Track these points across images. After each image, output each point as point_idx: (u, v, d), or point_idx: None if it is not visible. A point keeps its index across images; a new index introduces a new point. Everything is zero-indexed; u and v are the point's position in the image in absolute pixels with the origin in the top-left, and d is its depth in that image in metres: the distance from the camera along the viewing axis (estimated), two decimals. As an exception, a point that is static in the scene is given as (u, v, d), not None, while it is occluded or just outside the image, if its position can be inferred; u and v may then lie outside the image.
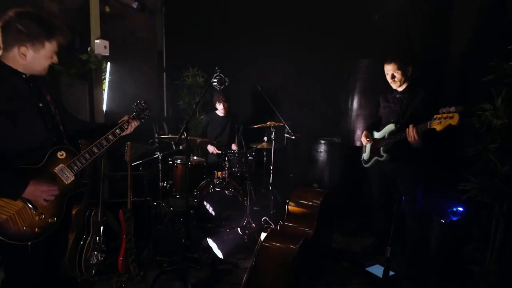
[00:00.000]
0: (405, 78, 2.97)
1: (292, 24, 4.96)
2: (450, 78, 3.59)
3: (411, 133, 2.67)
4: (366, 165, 3.29)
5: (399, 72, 2.94)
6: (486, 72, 2.36)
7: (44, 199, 1.72)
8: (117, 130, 2.09)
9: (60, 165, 1.82)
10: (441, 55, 3.67)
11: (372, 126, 3.31)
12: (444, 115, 2.46)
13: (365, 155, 3.30)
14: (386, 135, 3.03)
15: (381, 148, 3.06)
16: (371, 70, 4.05)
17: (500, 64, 2.28)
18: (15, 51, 1.67)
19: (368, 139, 3.24)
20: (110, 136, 2.05)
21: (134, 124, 2.24)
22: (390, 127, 3.01)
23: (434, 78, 3.62)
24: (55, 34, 1.71)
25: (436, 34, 3.78)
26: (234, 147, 4.63)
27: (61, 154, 1.83)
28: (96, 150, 1.96)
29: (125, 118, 2.22)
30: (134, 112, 2.28)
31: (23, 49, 1.66)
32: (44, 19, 1.69)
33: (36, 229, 1.72)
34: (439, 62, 3.66)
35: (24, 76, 1.74)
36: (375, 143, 3.16)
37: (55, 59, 1.80)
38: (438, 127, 2.49)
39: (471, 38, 3.35)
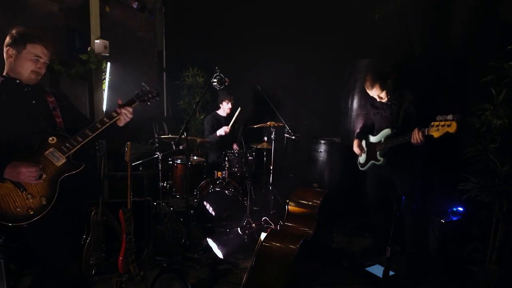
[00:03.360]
0: (390, 91, 3.02)
1: (292, 24, 4.96)
2: (450, 78, 3.59)
3: (417, 136, 2.67)
4: (362, 169, 3.32)
5: (384, 91, 2.99)
6: (486, 72, 2.36)
7: (32, 180, 1.83)
8: (113, 113, 2.14)
9: (51, 149, 1.94)
10: (441, 55, 3.67)
11: (363, 132, 3.34)
12: (442, 123, 2.47)
13: (361, 159, 3.34)
14: (383, 139, 3.05)
15: (378, 152, 3.08)
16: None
17: (500, 64, 2.29)
18: (6, 55, 1.95)
19: (360, 149, 3.28)
20: (105, 119, 2.10)
21: (126, 111, 2.20)
22: (386, 131, 3.02)
23: (434, 78, 3.61)
24: (33, 40, 1.94)
25: (436, 34, 3.78)
26: (235, 146, 4.62)
27: (52, 139, 1.95)
28: (89, 133, 2.02)
29: (119, 102, 2.24)
30: (133, 97, 2.30)
31: (10, 50, 1.94)
32: (29, 31, 1.97)
33: (30, 211, 1.84)
34: (439, 62, 3.66)
35: (18, 81, 1.97)
36: (371, 147, 3.17)
37: (39, 67, 1.97)
38: (435, 134, 2.51)
39: (471, 38, 3.35)
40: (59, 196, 1.93)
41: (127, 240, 2.76)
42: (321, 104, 5.07)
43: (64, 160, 1.96)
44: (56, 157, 1.95)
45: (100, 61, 4.21)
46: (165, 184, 3.97)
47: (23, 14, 3.93)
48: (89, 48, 4.15)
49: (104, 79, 4.53)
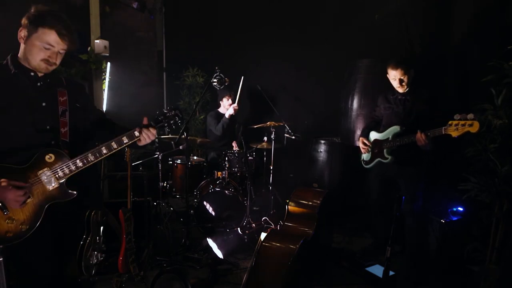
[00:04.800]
0: (410, 81, 2.96)
1: (292, 24, 4.96)
2: (450, 78, 3.59)
3: (421, 138, 2.66)
4: (366, 166, 3.27)
5: (406, 76, 2.93)
6: (486, 72, 2.36)
7: (16, 206, 1.59)
8: (123, 138, 1.81)
9: (45, 169, 1.67)
10: (441, 55, 3.67)
11: (368, 129, 3.30)
12: (462, 122, 2.41)
13: (365, 156, 3.28)
14: (390, 136, 2.99)
15: (385, 150, 3.03)
16: (371, 70, 4.05)
17: (500, 64, 2.29)
18: (19, 37, 1.72)
19: (365, 147, 3.22)
20: (113, 144, 1.80)
21: (149, 133, 1.87)
22: (394, 128, 2.97)
23: (434, 78, 3.62)
24: (47, 23, 1.68)
25: (436, 34, 3.78)
26: (234, 145, 4.62)
27: (49, 157, 1.68)
28: (91, 159, 1.75)
29: (144, 121, 1.91)
30: (156, 118, 1.94)
31: (22, 31, 1.69)
32: (53, 14, 1.72)
33: (8, 234, 1.60)
34: (439, 62, 3.66)
35: (32, 74, 1.73)
36: (377, 144, 3.12)
37: (49, 55, 1.70)
38: (454, 133, 2.45)
39: (471, 38, 3.35)
40: (43, 222, 1.68)
41: (127, 240, 2.76)
42: (321, 104, 5.07)
43: (56, 186, 1.69)
44: (48, 180, 1.68)
45: (100, 61, 4.21)
46: (165, 184, 3.97)
47: (23, 14, 3.92)
48: (89, 48, 4.15)
49: (104, 79, 4.53)
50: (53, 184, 1.69)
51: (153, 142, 4.28)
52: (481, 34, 3.21)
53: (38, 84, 1.76)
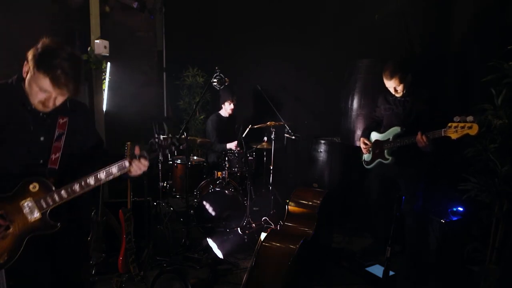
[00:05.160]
0: (407, 86, 2.95)
1: (292, 24, 4.96)
2: (450, 78, 3.59)
3: (421, 140, 2.66)
4: (367, 166, 3.27)
5: (402, 85, 2.91)
6: (486, 72, 2.36)
7: None
8: (112, 169, 1.70)
9: (28, 199, 1.58)
10: (441, 55, 3.67)
11: (369, 129, 3.30)
12: (461, 124, 2.41)
13: (366, 157, 3.27)
14: (391, 137, 2.99)
15: (386, 151, 3.03)
16: (371, 70, 4.05)
17: (500, 64, 2.29)
18: (23, 71, 1.62)
19: (366, 146, 3.21)
20: (101, 175, 1.69)
21: (141, 165, 1.76)
22: (395, 129, 2.97)
23: (434, 78, 3.62)
24: (51, 72, 1.52)
25: (436, 34, 3.78)
26: (234, 147, 4.62)
27: (34, 187, 1.59)
28: (77, 189, 1.64)
29: (136, 151, 1.79)
30: (150, 147, 1.82)
31: (26, 66, 1.59)
32: (55, 56, 1.54)
33: None
34: (439, 62, 3.66)
35: (29, 108, 1.62)
36: (378, 145, 3.12)
37: (46, 99, 1.59)
38: (453, 135, 2.45)
39: (471, 38, 3.35)
40: (23, 254, 1.59)
41: (127, 240, 2.76)
42: (321, 104, 5.07)
43: (38, 217, 1.60)
44: (30, 210, 1.58)
45: (100, 61, 4.21)
46: (165, 184, 3.97)
47: (23, 14, 3.92)
48: (89, 48, 4.15)
49: (104, 79, 4.53)
50: (35, 215, 1.60)
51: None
52: (481, 34, 3.21)
53: (40, 114, 1.67)
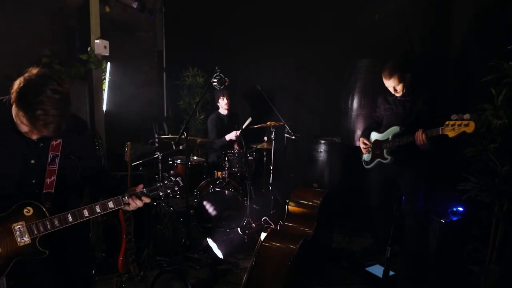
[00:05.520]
0: (407, 86, 2.95)
1: (292, 24, 4.96)
2: (450, 78, 3.59)
3: (420, 137, 2.66)
4: (367, 166, 3.27)
5: (401, 84, 2.91)
6: (486, 72, 2.36)
7: None
8: (109, 203, 1.69)
9: (21, 223, 1.59)
10: (441, 55, 3.67)
11: (369, 129, 3.30)
12: (458, 122, 2.41)
13: (366, 156, 3.27)
14: (390, 137, 2.99)
15: (385, 151, 3.03)
16: (371, 70, 4.04)
17: (500, 64, 2.29)
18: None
19: (366, 146, 3.22)
20: (97, 208, 1.68)
21: (140, 202, 1.74)
22: (394, 129, 2.97)
23: (434, 78, 3.62)
24: (29, 112, 1.44)
25: (436, 34, 3.78)
26: (235, 146, 4.63)
27: (27, 211, 1.60)
28: (70, 219, 1.64)
29: (138, 188, 1.76)
30: (152, 185, 1.79)
31: (13, 94, 1.50)
32: (38, 93, 1.44)
33: None
34: (439, 62, 3.66)
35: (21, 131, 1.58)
36: (377, 145, 3.12)
37: (30, 132, 1.54)
38: (451, 133, 2.46)
39: (471, 38, 3.35)
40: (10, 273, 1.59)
41: (127, 240, 2.76)
42: (321, 104, 5.07)
43: (28, 242, 1.59)
44: (21, 234, 1.58)
45: (100, 61, 4.21)
46: (165, 184, 3.96)
47: (23, 14, 3.92)
48: (89, 48, 4.16)
49: (104, 79, 4.53)
50: (24, 239, 1.59)
51: (153, 142, 4.32)
52: (481, 34, 3.21)
53: (28, 139, 1.62)
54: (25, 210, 1.60)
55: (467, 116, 2.38)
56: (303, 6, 4.85)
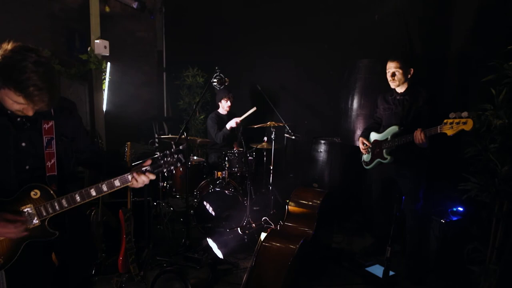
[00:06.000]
0: (405, 78, 2.96)
1: (292, 24, 4.96)
2: (450, 78, 3.59)
3: (419, 136, 2.66)
4: (367, 167, 3.27)
5: (400, 71, 2.93)
6: (486, 72, 2.36)
7: (12, 235, 1.56)
8: (115, 182, 1.70)
9: (29, 205, 1.61)
10: (441, 55, 3.67)
11: (369, 129, 3.30)
12: (456, 120, 2.42)
13: (365, 157, 3.27)
14: (389, 137, 2.99)
15: (384, 150, 3.03)
16: (371, 70, 4.05)
17: (500, 64, 2.29)
18: None
19: (365, 147, 3.22)
20: (103, 187, 1.69)
21: (145, 178, 1.75)
22: (393, 128, 2.97)
23: (434, 78, 3.62)
24: (23, 90, 1.43)
25: (436, 34, 3.78)
26: (235, 147, 4.62)
27: (35, 193, 1.62)
28: (78, 199, 1.65)
29: (147, 163, 1.78)
30: (155, 162, 1.80)
31: None
32: (22, 70, 1.41)
33: None
34: (439, 62, 3.66)
35: (9, 112, 1.57)
36: (377, 145, 3.13)
37: (23, 108, 1.52)
38: (449, 132, 2.46)
39: (471, 38, 3.35)
40: (21, 257, 1.62)
41: (127, 240, 2.76)
42: (321, 104, 5.07)
43: (37, 224, 1.62)
44: (30, 217, 1.61)
45: (100, 61, 4.21)
46: (165, 184, 3.97)
47: (23, 14, 3.93)
48: (89, 48, 4.16)
49: (104, 79, 4.53)
50: (34, 222, 1.62)
51: (153, 142, 4.32)
52: (481, 34, 3.21)
53: (18, 119, 1.62)
54: (32, 193, 1.61)
55: (465, 114, 2.39)
56: (303, 6, 4.85)
